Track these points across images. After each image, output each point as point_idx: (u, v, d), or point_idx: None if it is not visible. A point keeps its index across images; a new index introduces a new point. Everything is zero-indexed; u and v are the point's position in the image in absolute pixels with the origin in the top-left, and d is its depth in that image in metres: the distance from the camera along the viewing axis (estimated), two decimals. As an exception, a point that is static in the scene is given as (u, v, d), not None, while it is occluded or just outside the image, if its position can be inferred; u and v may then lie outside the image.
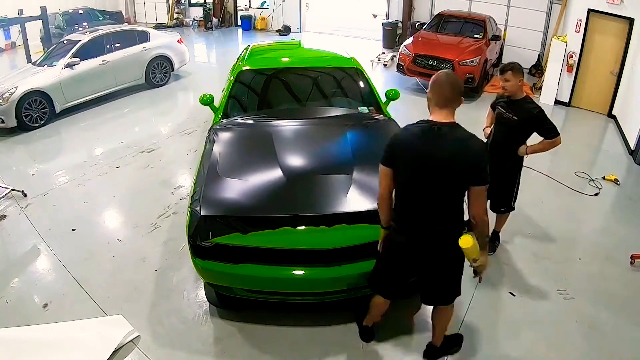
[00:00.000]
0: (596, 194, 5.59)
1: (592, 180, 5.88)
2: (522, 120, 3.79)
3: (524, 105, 3.80)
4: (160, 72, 9.65)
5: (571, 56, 8.49)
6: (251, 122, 4.47)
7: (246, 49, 6.07)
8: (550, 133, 3.77)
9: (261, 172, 3.58)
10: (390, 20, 13.51)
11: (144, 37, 9.42)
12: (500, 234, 4.44)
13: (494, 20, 10.49)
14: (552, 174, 5.97)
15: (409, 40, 9.76)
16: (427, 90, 2.57)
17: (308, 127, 4.34)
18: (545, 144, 3.85)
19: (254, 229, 3.12)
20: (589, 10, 8.15)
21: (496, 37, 9.89)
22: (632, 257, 4.29)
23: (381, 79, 10.25)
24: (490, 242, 4.28)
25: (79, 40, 8.33)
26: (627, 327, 3.58)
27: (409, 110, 7.88)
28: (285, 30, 15.22)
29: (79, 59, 8.02)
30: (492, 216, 4.20)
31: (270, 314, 3.59)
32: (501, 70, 3.78)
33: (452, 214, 2.55)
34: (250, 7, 16.56)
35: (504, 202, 4.16)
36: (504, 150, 3.94)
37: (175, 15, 17.24)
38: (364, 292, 3.41)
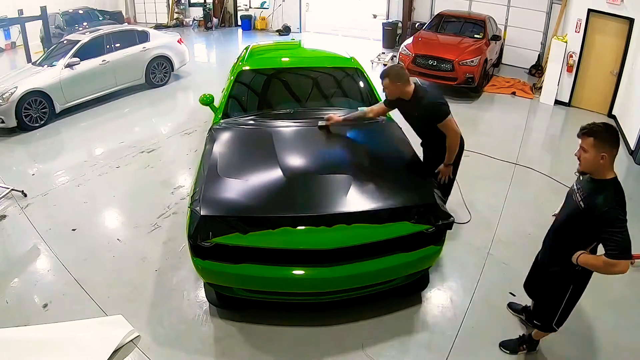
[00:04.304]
0: (596, 194, 5.58)
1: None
2: (586, 211, 2.55)
3: (599, 190, 2.51)
4: (160, 72, 9.64)
5: (571, 56, 8.49)
6: (251, 122, 4.47)
7: (246, 49, 6.07)
8: (610, 245, 2.43)
9: (261, 172, 3.58)
10: (390, 20, 13.50)
11: (144, 37, 9.41)
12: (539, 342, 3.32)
13: (494, 20, 10.49)
14: (552, 174, 5.97)
15: (409, 40, 9.75)
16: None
17: (308, 127, 4.34)
18: (600, 261, 2.50)
19: (253, 229, 3.12)
20: (589, 10, 8.14)
21: (496, 37, 9.89)
22: (633, 257, 4.29)
23: (381, 79, 10.23)
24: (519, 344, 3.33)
25: (79, 40, 8.33)
26: (628, 327, 3.58)
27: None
28: (285, 30, 15.22)
29: (79, 59, 8.01)
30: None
31: (270, 313, 3.59)
32: (581, 131, 2.54)
33: None
34: (250, 7, 16.55)
35: (541, 313, 3.09)
36: (556, 245, 2.87)
37: (175, 15, 17.23)
38: (363, 292, 3.42)
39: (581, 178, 2.70)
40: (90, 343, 3.31)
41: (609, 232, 2.44)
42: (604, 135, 2.47)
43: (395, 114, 4.99)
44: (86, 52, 8.22)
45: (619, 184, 2.55)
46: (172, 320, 3.57)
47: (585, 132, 2.51)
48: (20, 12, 11.21)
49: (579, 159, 2.58)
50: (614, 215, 2.43)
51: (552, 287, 2.91)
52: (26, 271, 4.21)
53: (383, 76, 3.76)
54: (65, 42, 8.68)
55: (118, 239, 4.61)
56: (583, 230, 2.63)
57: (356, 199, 3.29)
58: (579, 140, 2.55)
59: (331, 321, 3.53)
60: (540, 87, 9.28)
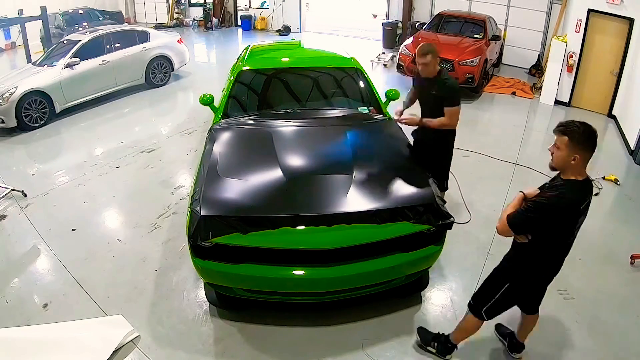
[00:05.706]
0: (596, 194, 5.58)
1: (592, 180, 5.84)
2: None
3: (557, 188, 2.59)
4: (160, 72, 9.65)
5: (571, 56, 8.49)
6: (251, 122, 4.47)
7: (246, 49, 6.07)
8: (518, 210, 2.70)
9: (261, 172, 3.58)
10: (390, 20, 13.51)
11: (144, 37, 9.42)
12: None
13: (494, 20, 10.50)
14: (551, 174, 5.94)
15: (409, 40, 9.76)
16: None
17: (308, 127, 4.34)
18: (506, 211, 2.69)
19: (253, 229, 3.12)
20: (589, 10, 8.15)
21: (496, 37, 9.89)
22: (632, 257, 4.29)
23: (381, 79, 10.25)
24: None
25: (79, 40, 8.34)
26: (628, 327, 3.58)
27: (408, 110, 7.88)
28: (285, 30, 15.22)
29: (79, 59, 8.02)
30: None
31: (270, 314, 3.59)
32: (557, 127, 2.48)
33: None
34: (250, 7, 16.56)
35: (478, 294, 3.05)
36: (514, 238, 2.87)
37: (175, 15, 17.25)
38: (363, 292, 3.42)
39: (557, 181, 2.63)
40: (90, 343, 3.31)
41: (526, 206, 2.55)
42: (580, 138, 2.38)
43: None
44: (86, 52, 8.23)
45: (582, 185, 2.55)
46: (172, 320, 3.57)
47: (561, 130, 2.42)
48: (20, 12, 11.26)
49: (552, 154, 2.53)
50: (542, 200, 2.50)
51: (495, 275, 2.94)
52: (26, 271, 4.20)
53: (426, 52, 3.82)
54: (65, 42, 8.69)
55: (118, 239, 4.61)
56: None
57: (356, 199, 3.29)
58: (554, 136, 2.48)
59: (331, 321, 3.53)
60: (540, 87, 9.28)
